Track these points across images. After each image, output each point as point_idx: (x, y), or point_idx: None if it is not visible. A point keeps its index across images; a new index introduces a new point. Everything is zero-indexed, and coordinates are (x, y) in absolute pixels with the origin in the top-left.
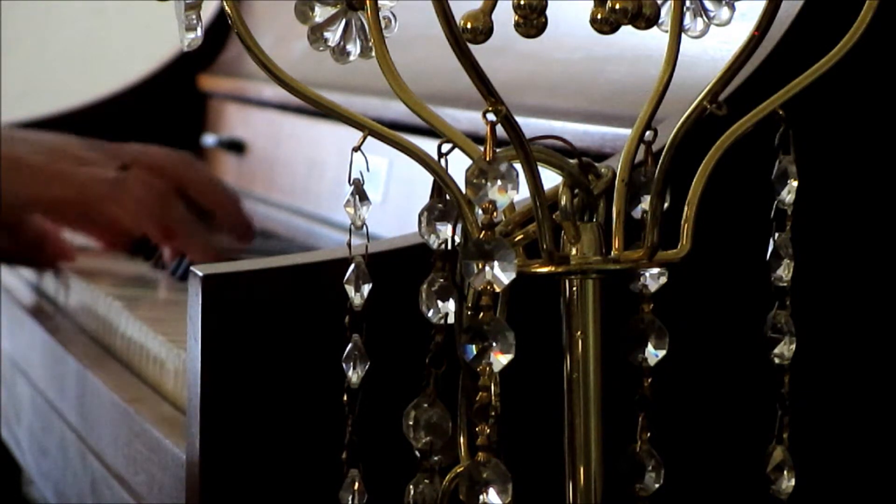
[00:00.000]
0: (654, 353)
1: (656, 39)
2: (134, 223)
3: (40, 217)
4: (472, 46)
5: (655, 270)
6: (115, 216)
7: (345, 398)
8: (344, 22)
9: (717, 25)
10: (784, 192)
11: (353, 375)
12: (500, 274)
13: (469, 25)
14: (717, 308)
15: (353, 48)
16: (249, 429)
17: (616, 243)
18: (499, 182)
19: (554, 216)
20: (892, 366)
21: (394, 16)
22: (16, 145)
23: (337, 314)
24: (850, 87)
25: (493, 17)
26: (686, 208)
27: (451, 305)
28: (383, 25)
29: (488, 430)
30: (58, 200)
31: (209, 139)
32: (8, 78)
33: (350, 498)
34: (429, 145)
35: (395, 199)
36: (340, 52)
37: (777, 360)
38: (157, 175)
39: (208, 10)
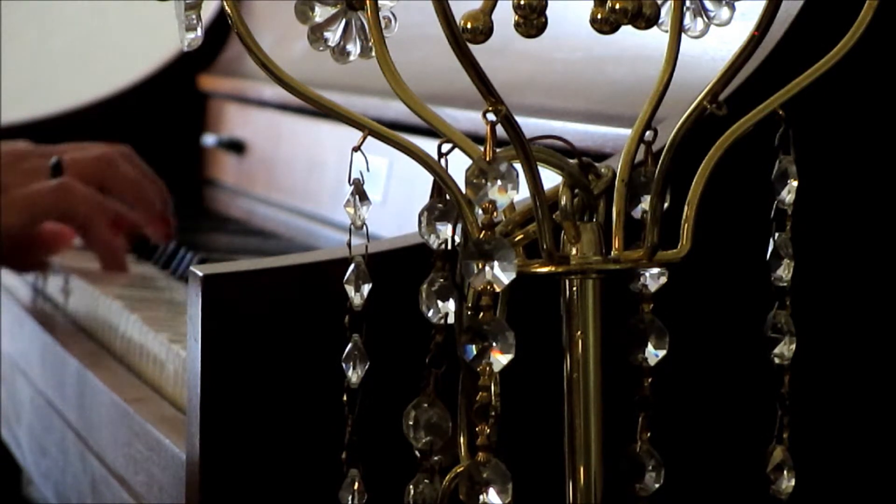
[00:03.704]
0: (654, 353)
1: (656, 39)
2: (86, 223)
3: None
4: (472, 46)
5: (655, 270)
6: (67, 222)
7: (345, 398)
8: (344, 22)
9: (717, 25)
10: (784, 192)
11: (353, 375)
12: (500, 274)
13: (469, 25)
14: (717, 308)
15: (353, 48)
16: (249, 429)
17: (616, 243)
18: (499, 182)
19: (554, 216)
20: (893, 366)
21: (394, 16)
22: None
23: (337, 314)
24: (850, 87)
25: (493, 17)
26: (686, 208)
27: (451, 305)
28: (383, 25)
29: (488, 430)
30: (11, 228)
31: (209, 139)
32: (8, 78)
33: (350, 498)
34: (429, 145)
35: (395, 199)
36: (340, 52)
37: (777, 360)
38: (86, 173)
39: (208, 10)
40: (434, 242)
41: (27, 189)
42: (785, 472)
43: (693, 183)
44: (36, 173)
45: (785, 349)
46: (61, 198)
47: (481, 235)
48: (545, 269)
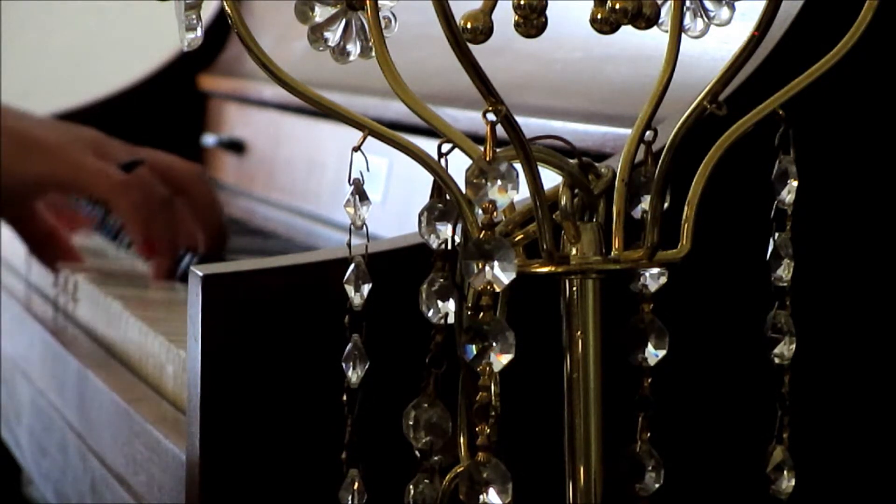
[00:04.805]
0: (654, 353)
1: (656, 39)
2: (125, 227)
3: (47, 209)
4: (472, 46)
5: (655, 270)
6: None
7: (345, 398)
8: (344, 22)
9: (717, 25)
10: (784, 192)
11: (353, 375)
12: (500, 274)
13: (469, 25)
14: (717, 308)
15: (353, 48)
16: (249, 429)
17: (616, 243)
18: (499, 182)
19: (554, 216)
20: (893, 366)
21: (394, 16)
22: (32, 125)
23: (337, 314)
24: (850, 87)
25: (493, 17)
26: (686, 208)
27: (451, 305)
28: (383, 25)
29: (488, 430)
30: (63, 183)
31: (209, 139)
32: (8, 78)
33: (350, 498)
34: (429, 145)
35: (395, 199)
36: (340, 52)
37: (777, 360)
38: (165, 177)
39: (208, 10)
40: (434, 242)
41: (94, 161)
42: (785, 472)
43: (693, 183)
44: (111, 157)
45: (785, 349)
46: (117, 193)
47: (481, 235)
48: (545, 269)
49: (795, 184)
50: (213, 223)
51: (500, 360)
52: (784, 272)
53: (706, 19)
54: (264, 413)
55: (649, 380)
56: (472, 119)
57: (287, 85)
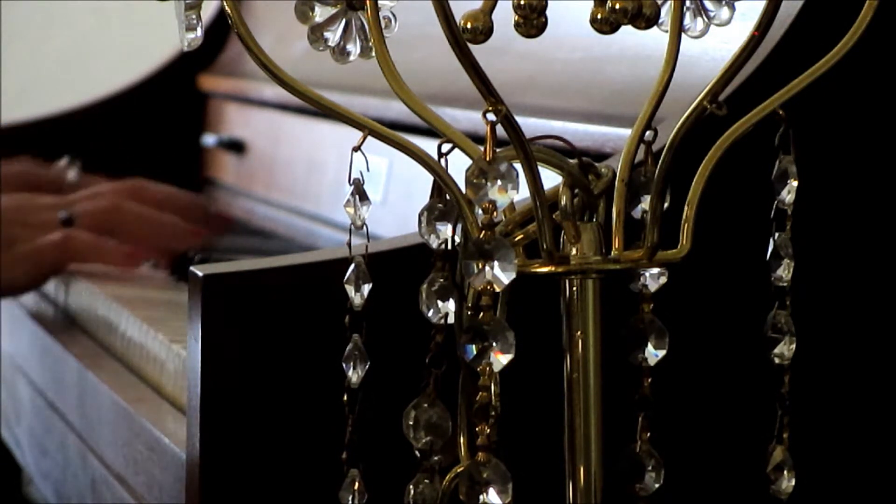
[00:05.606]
0: (654, 353)
1: (656, 39)
2: (99, 262)
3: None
4: (472, 46)
5: (655, 270)
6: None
7: (345, 398)
8: (344, 22)
9: (717, 25)
10: (784, 192)
11: (353, 375)
12: (500, 274)
13: (469, 25)
14: (717, 308)
15: (353, 48)
16: (249, 429)
17: (616, 243)
18: (499, 182)
19: (554, 216)
20: (893, 366)
21: (394, 16)
22: None
23: (337, 314)
24: (850, 87)
25: (493, 17)
26: (686, 208)
27: (451, 305)
28: (383, 25)
29: (488, 430)
30: (16, 283)
31: (209, 139)
32: (8, 78)
33: (350, 498)
34: (429, 145)
35: (395, 199)
36: (340, 52)
37: (777, 360)
38: (104, 194)
39: (208, 10)
40: (434, 242)
41: (33, 244)
42: (785, 472)
43: (693, 183)
44: (45, 226)
45: (785, 349)
46: (67, 250)
47: (481, 235)
48: (545, 269)
49: (795, 184)
50: (159, 231)
51: (500, 360)
52: (784, 272)
53: (706, 19)
54: (264, 413)
55: (649, 380)
56: (472, 119)
57: (287, 85)
